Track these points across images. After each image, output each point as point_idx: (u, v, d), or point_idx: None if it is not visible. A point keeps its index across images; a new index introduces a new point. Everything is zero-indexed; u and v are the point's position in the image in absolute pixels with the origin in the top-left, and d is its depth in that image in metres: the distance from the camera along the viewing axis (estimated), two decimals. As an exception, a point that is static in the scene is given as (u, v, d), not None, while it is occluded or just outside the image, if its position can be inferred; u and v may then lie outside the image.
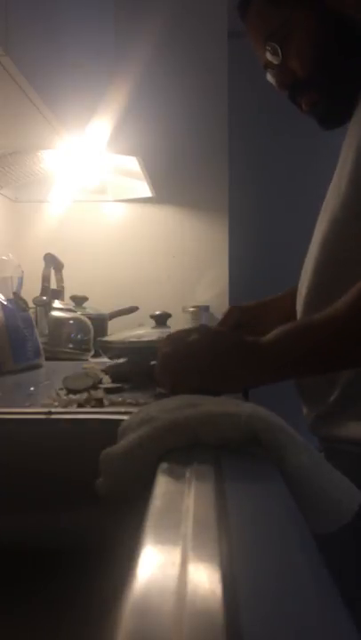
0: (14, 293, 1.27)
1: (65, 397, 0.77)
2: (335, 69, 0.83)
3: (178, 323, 1.48)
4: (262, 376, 0.70)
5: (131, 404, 0.75)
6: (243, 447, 0.46)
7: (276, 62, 0.86)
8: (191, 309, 1.79)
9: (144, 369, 0.83)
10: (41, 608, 0.58)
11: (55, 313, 1.47)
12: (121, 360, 0.80)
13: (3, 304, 1.17)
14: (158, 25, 1.83)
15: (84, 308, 1.61)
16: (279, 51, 0.85)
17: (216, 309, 1.85)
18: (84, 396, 0.77)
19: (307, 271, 0.85)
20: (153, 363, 0.74)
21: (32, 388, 0.92)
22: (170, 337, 0.74)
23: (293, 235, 2.18)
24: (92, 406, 0.74)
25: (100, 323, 1.60)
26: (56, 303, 1.50)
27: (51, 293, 1.52)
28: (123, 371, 0.92)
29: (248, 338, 0.70)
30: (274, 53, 0.86)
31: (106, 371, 0.96)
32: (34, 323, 1.28)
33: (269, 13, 0.85)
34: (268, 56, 0.87)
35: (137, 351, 0.95)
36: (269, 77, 0.91)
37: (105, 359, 1.25)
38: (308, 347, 0.69)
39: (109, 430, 0.57)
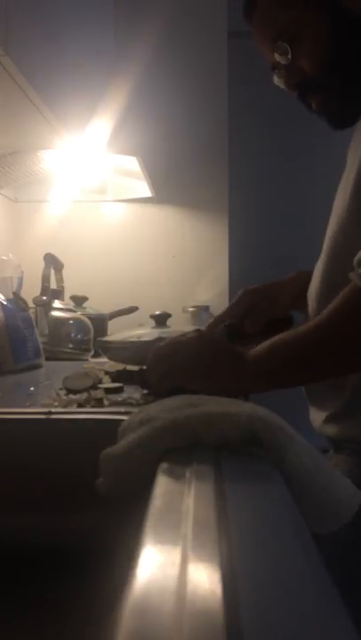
0: (14, 293, 1.27)
1: (65, 397, 0.77)
2: (347, 69, 0.81)
3: (178, 323, 1.48)
4: (245, 385, 0.72)
5: (131, 404, 0.75)
6: (243, 447, 0.46)
7: (284, 62, 0.84)
8: (191, 309, 1.79)
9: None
10: (42, 608, 0.58)
11: (55, 313, 1.47)
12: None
13: (3, 304, 1.17)
14: (158, 25, 1.83)
15: (84, 308, 1.61)
16: (289, 50, 0.83)
17: (216, 309, 1.84)
18: (84, 395, 0.77)
19: (316, 276, 0.85)
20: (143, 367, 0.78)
21: (32, 388, 0.92)
22: (169, 339, 0.78)
23: (293, 235, 2.19)
24: (92, 406, 0.74)
25: (100, 323, 1.60)
26: (56, 303, 1.50)
27: (51, 293, 1.52)
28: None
29: (237, 348, 0.73)
30: (283, 53, 0.84)
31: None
32: (34, 323, 1.28)
33: (277, 14, 0.83)
34: (277, 56, 0.85)
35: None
36: (276, 80, 0.89)
37: (105, 359, 1.25)
38: (296, 357, 0.70)
39: (109, 430, 0.57)
